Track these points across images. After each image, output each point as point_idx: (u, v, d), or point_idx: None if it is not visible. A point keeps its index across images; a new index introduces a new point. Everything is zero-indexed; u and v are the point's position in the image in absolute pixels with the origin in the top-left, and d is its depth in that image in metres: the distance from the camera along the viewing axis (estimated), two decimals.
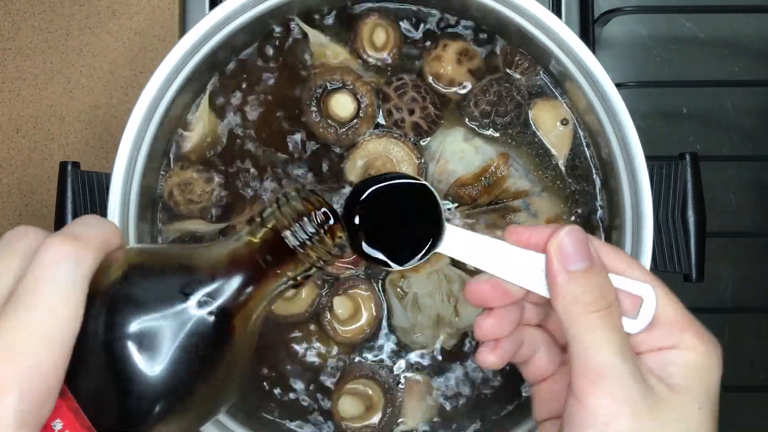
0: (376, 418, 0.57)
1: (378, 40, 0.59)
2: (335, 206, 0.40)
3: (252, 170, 0.59)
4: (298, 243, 0.35)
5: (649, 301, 0.36)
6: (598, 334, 0.35)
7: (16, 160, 0.71)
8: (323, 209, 0.37)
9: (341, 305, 0.57)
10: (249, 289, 0.35)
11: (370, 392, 0.57)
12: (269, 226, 0.35)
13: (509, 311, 0.40)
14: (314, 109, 0.59)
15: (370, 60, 0.60)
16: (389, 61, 0.60)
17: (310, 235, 0.35)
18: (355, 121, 0.59)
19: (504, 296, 0.39)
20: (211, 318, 0.34)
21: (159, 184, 0.59)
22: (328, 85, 0.58)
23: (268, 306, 0.37)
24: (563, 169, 0.59)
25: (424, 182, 0.42)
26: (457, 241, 0.41)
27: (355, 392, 0.57)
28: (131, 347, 0.32)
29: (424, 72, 0.60)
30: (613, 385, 0.34)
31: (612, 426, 0.33)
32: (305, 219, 0.35)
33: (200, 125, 0.59)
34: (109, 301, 0.33)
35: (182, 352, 0.33)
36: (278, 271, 0.36)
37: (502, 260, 0.39)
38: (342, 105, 0.58)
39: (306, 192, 0.37)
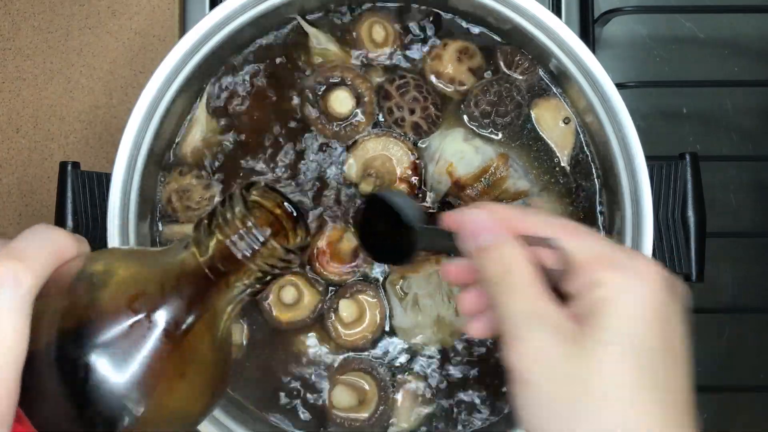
0: (367, 413, 0.57)
1: (378, 36, 0.59)
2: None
3: (251, 173, 0.59)
4: (248, 253, 0.31)
5: (558, 249, 0.36)
6: (503, 301, 0.36)
7: (16, 160, 0.71)
8: (277, 209, 0.34)
9: (347, 308, 0.57)
10: (200, 302, 0.32)
11: (366, 387, 0.57)
12: (215, 233, 0.31)
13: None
14: (314, 106, 0.59)
15: (374, 58, 0.60)
16: (392, 56, 0.60)
17: (260, 242, 0.31)
18: (355, 118, 0.59)
19: (471, 273, 0.41)
20: (164, 335, 0.31)
21: (158, 187, 0.59)
22: (328, 82, 0.58)
23: (231, 314, 0.34)
24: (567, 168, 0.59)
25: (382, 196, 0.44)
26: (427, 236, 0.43)
27: (351, 384, 0.57)
28: (82, 368, 0.30)
29: (425, 71, 0.60)
30: (522, 344, 0.34)
31: (530, 383, 0.34)
32: (250, 224, 0.31)
33: (198, 127, 0.59)
34: (58, 320, 0.31)
35: (137, 371, 0.31)
36: (228, 282, 0.32)
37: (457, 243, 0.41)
38: (341, 102, 0.58)
39: (260, 189, 0.33)
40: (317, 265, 0.58)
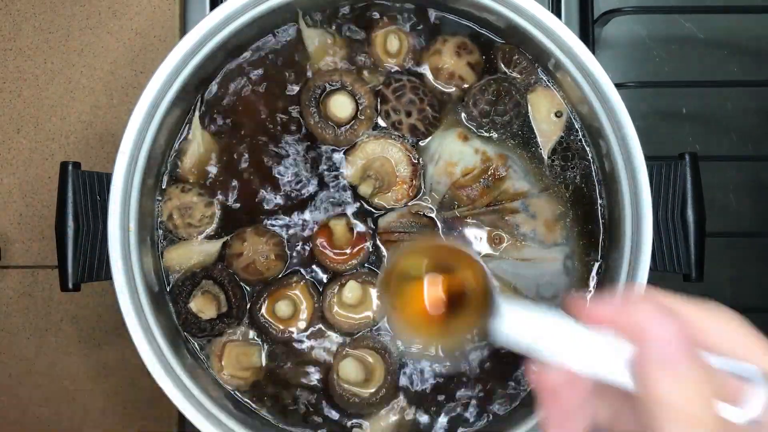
0: (367, 393, 0.57)
1: (392, 47, 0.59)
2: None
3: (250, 182, 0.59)
4: None
5: (758, 385, 0.29)
6: None
7: (17, 160, 0.71)
8: None
9: (352, 290, 0.57)
10: None
11: (374, 367, 0.57)
12: None
13: (582, 406, 0.32)
14: (313, 110, 0.59)
15: (387, 67, 0.60)
16: (403, 65, 0.60)
17: None
18: (354, 121, 0.59)
19: (576, 388, 0.32)
20: None
21: (157, 198, 0.59)
22: (327, 86, 0.58)
23: None
24: (545, 159, 0.59)
25: (477, 259, 0.36)
26: (516, 321, 0.33)
27: (360, 359, 0.57)
28: None
29: (424, 68, 0.60)
30: None
31: None
32: None
33: (197, 138, 0.59)
34: None
35: None
36: None
37: (572, 343, 0.31)
38: (341, 106, 0.58)
39: None
40: (320, 255, 0.58)
